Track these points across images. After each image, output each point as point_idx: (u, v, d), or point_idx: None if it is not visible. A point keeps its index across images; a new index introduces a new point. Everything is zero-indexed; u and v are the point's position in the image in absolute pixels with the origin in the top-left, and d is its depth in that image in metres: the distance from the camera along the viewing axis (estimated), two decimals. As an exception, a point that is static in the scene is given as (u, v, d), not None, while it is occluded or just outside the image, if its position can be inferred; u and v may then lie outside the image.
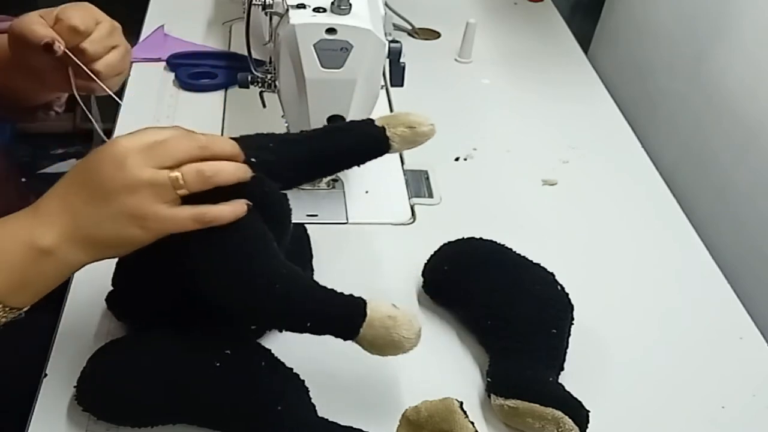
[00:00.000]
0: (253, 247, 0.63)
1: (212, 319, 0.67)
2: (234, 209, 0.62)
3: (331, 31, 0.76)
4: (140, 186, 0.59)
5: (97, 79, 0.77)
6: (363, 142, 0.72)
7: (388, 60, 0.84)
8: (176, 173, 0.59)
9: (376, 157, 0.73)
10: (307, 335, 0.76)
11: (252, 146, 0.66)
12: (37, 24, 0.74)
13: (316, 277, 0.83)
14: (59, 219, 0.60)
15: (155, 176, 0.59)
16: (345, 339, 0.63)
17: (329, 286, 0.82)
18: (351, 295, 0.64)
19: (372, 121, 0.71)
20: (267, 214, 0.65)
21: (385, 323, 0.62)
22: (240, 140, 0.66)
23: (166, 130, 0.63)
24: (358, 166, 0.74)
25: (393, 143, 0.70)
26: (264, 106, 0.91)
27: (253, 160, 0.65)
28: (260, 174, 0.65)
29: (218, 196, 0.62)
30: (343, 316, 0.63)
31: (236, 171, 0.62)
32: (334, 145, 0.71)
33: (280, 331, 0.68)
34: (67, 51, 0.74)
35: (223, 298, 0.64)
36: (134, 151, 0.59)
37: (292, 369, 0.67)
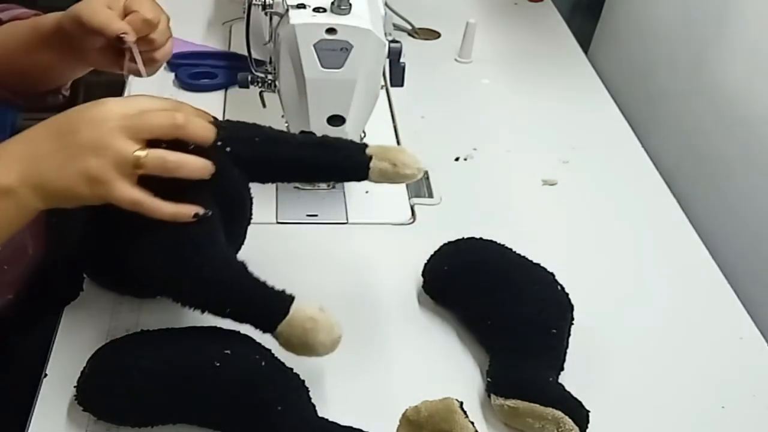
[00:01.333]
0: (188, 231, 0.65)
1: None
2: (176, 211, 0.64)
3: (331, 31, 0.76)
4: (107, 151, 0.61)
5: (141, 65, 0.79)
6: (344, 164, 0.72)
7: (388, 60, 0.84)
8: (141, 152, 0.61)
9: (353, 180, 0.74)
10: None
11: (236, 135, 0.69)
12: (109, 16, 0.75)
13: (315, 278, 0.84)
14: (21, 161, 0.62)
15: (122, 148, 0.61)
16: (263, 331, 0.66)
17: (328, 286, 0.83)
18: (281, 291, 0.66)
19: (366, 146, 0.71)
20: (222, 202, 0.68)
21: (304, 325, 0.64)
22: (229, 125, 0.69)
23: (157, 101, 0.65)
24: (335, 183, 0.79)
25: (372, 174, 0.71)
26: (264, 106, 0.91)
27: (228, 149, 0.68)
28: (223, 162, 0.67)
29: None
30: (264, 309, 0.65)
31: (197, 170, 0.64)
32: (316, 157, 0.72)
33: (202, 313, 0.69)
34: (134, 44, 0.76)
35: (149, 276, 0.67)
36: (115, 117, 0.61)
37: (292, 369, 0.67)
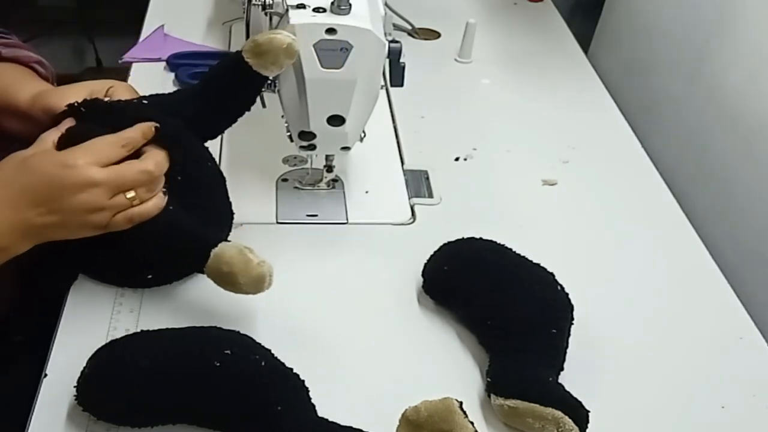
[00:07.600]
0: None
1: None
2: (156, 203, 0.73)
3: (331, 31, 0.76)
4: (105, 209, 0.70)
5: None
6: (225, 64, 0.80)
7: (388, 60, 0.84)
8: (131, 195, 0.71)
9: (249, 82, 0.79)
10: (307, 335, 0.77)
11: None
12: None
13: (315, 278, 0.84)
14: (20, 229, 0.68)
15: (118, 203, 0.71)
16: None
17: (328, 286, 0.83)
18: (209, 236, 0.73)
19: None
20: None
21: (221, 269, 0.70)
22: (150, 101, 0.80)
23: (113, 142, 0.72)
24: (245, 101, 0.81)
25: (246, 57, 0.76)
26: (264, 106, 0.90)
27: (144, 102, 0.79)
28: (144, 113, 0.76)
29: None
30: (189, 253, 0.72)
31: (162, 168, 0.73)
32: (208, 75, 0.81)
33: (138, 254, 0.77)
34: None
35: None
36: (100, 183, 0.69)
37: (292, 369, 0.67)
